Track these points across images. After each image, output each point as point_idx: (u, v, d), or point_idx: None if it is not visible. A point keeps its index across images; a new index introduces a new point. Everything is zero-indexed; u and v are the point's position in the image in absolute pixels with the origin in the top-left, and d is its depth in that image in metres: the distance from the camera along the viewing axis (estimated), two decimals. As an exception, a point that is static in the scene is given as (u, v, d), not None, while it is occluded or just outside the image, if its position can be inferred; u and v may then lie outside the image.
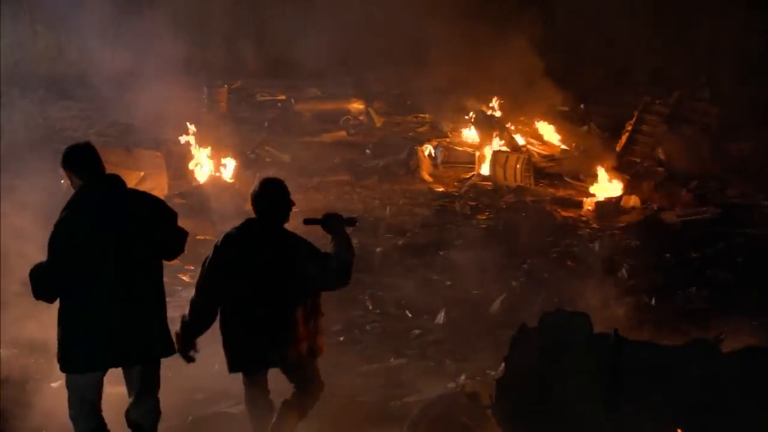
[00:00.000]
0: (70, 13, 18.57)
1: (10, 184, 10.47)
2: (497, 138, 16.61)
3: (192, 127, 14.58)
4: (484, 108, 17.92)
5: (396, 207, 13.85)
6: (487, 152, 16.05)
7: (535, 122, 18.11)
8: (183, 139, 14.52)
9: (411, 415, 6.52)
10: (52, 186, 10.38)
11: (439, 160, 16.33)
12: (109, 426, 5.48)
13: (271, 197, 5.57)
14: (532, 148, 17.12)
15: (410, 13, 18.58)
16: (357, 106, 18.86)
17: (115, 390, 5.84)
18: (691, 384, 5.08)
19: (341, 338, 8.86)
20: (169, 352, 5.47)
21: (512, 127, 17.47)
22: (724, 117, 16.76)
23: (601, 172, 15.33)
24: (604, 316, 7.81)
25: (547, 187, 15.42)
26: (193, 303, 5.59)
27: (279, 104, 19.62)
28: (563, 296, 9.21)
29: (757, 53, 17.95)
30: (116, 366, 5.39)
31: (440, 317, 9.30)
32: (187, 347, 5.57)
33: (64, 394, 5.42)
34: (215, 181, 13.92)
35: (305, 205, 10.36)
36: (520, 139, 17.18)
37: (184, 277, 10.04)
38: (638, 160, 16.24)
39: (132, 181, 11.60)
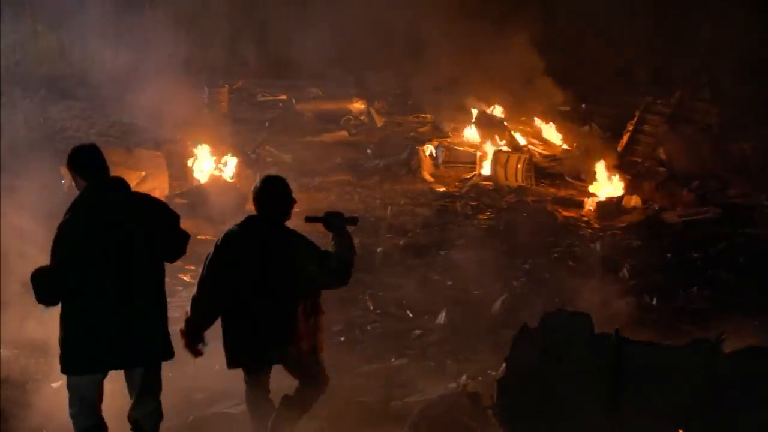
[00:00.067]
0: (72, 13, 18.56)
1: (10, 184, 10.44)
2: (498, 138, 16.61)
3: (193, 128, 14.58)
4: (485, 108, 17.92)
5: (397, 207, 13.85)
6: (489, 151, 16.05)
7: (536, 122, 18.11)
8: (184, 139, 14.51)
9: (412, 415, 6.50)
10: (52, 186, 10.40)
11: (440, 160, 16.32)
12: (110, 426, 5.47)
13: (272, 194, 5.57)
14: (533, 148, 17.12)
15: (411, 13, 18.58)
16: (358, 106, 18.84)
17: (117, 389, 5.82)
18: (692, 384, 5.07)
19: (342, 338, 8.85)
20: (170, 356, 5.46)
21: (511, 127, 17.47)
22: (725, 117, 16.78)
23: (603, 172, 15.32)
24: (606, 316, 7.78)
25: (548, 187, 15.41)
26: (195, 300, 5.58)
27: (280, 104, 19.62)
28: (564, 296, 9.21)
29: (758, 53, 17.94)
30: (117, 368, 5.38)
31: (441, 317, 9.29)
32: (195, 340, 5.56)
33: (64, 394, 5.41)
34: (216, 181, 13.91)
35: (306, 205, 10.32)
36: (521, 139, 17.18)
37: (184, 277, 10.04)
38: (639, 160, 16.24)
39: (133, 181, 11.60)
